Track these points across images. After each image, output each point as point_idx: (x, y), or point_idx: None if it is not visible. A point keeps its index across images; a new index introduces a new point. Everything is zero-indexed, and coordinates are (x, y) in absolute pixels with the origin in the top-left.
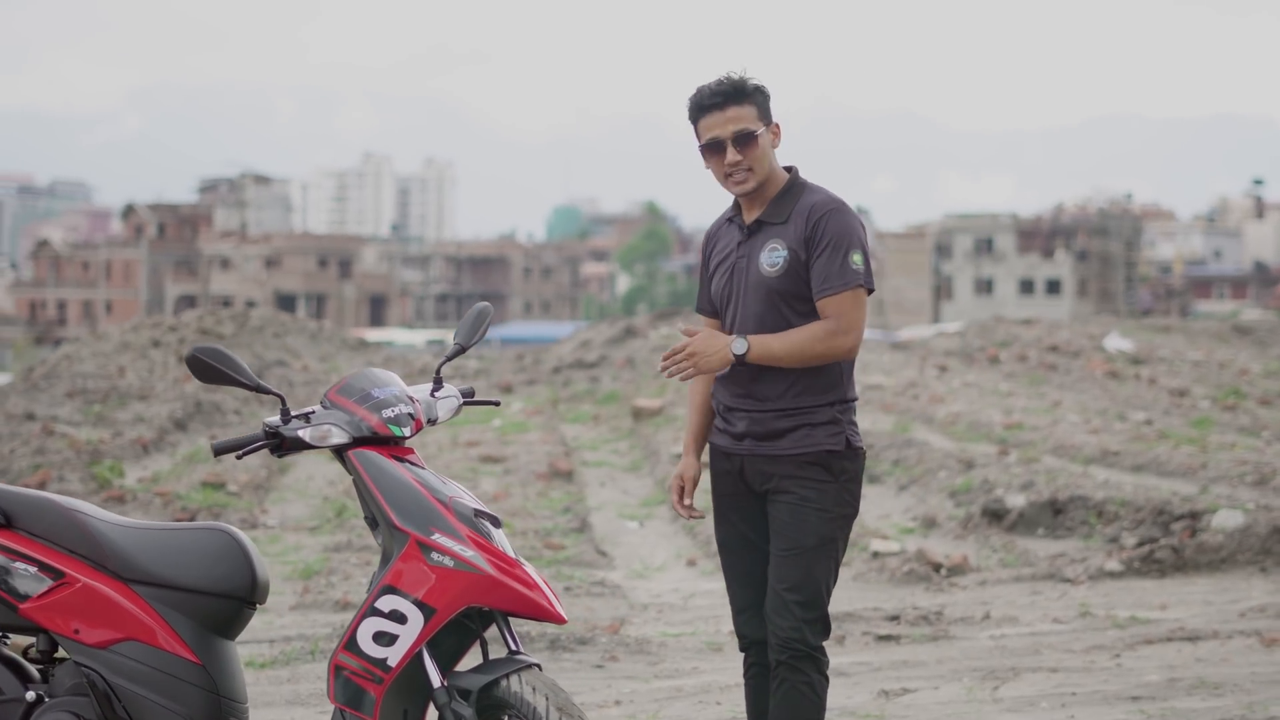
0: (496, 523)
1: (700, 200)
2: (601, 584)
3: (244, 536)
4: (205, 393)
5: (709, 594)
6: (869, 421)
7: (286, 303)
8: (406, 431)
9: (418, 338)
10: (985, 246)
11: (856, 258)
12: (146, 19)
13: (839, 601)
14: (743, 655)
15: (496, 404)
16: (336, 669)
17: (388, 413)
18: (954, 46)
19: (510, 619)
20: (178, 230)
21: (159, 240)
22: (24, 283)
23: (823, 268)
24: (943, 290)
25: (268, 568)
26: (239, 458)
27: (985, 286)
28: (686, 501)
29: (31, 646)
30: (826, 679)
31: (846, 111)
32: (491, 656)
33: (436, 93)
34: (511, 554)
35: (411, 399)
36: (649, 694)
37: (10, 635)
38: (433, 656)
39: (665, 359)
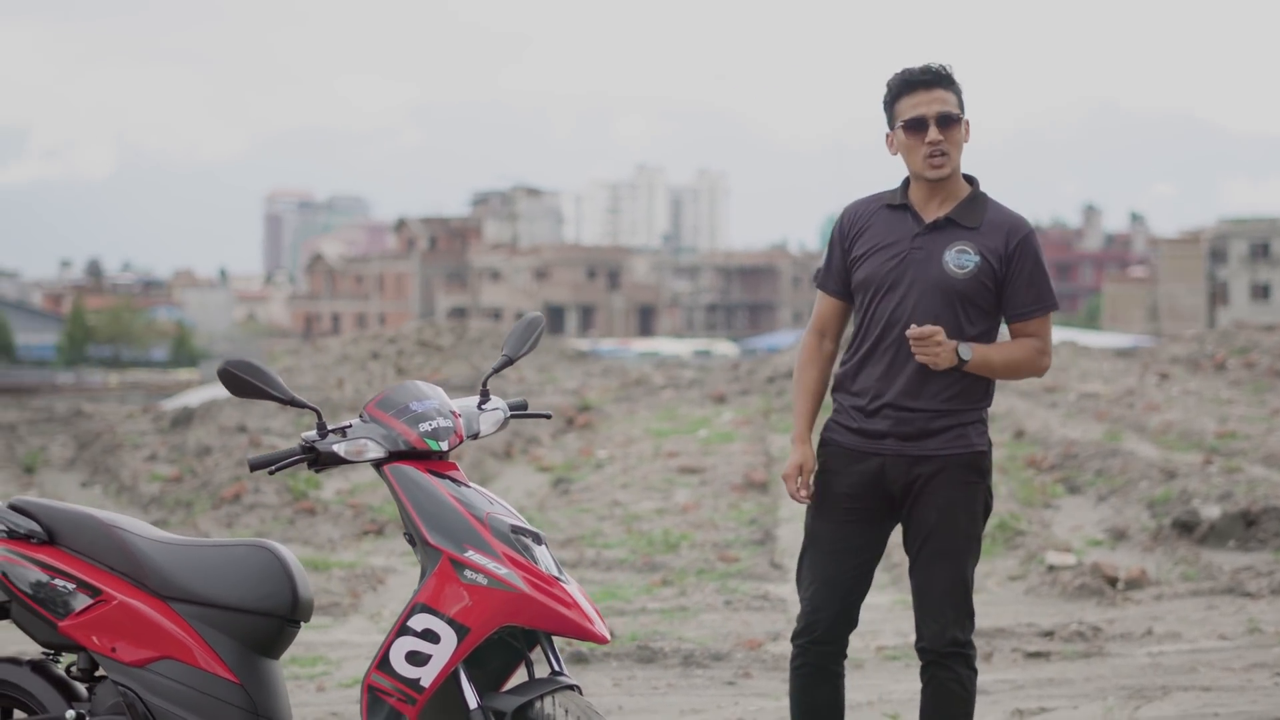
0: (538, 540)
1: None
2: (765, 598)
3: (287, 553)
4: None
5: (872, 608)
6: (1079, 430)
7: (555, 314)
8: (443, 445)
9: (684, 347)
10: (1262, 251)
11: (1050, 281)
12: (430, 34)
13: (991, 617)
14: (794, 647)
15: (547, 417)
16: (370, 689)
17: (425, 426)
18: (1236, 46)
19: (554, 639)
20: (448, 243)
21: (430, 253)
22: (300, 296)
23: (1027, 288)
24: (1217, 296)
25: (311, 585)
26: (271, 473)
27: (1262, 292)
28: (803, 494)
29: (74, 664)
30: (975, 672)
31: (1126, 115)
32: (538, 676)
33: (713, 103)
34: (551, 571)
35: (452, 413)
36: (774, 712)
37: (62, 654)
38: (471, 677)
39: (914, 334)
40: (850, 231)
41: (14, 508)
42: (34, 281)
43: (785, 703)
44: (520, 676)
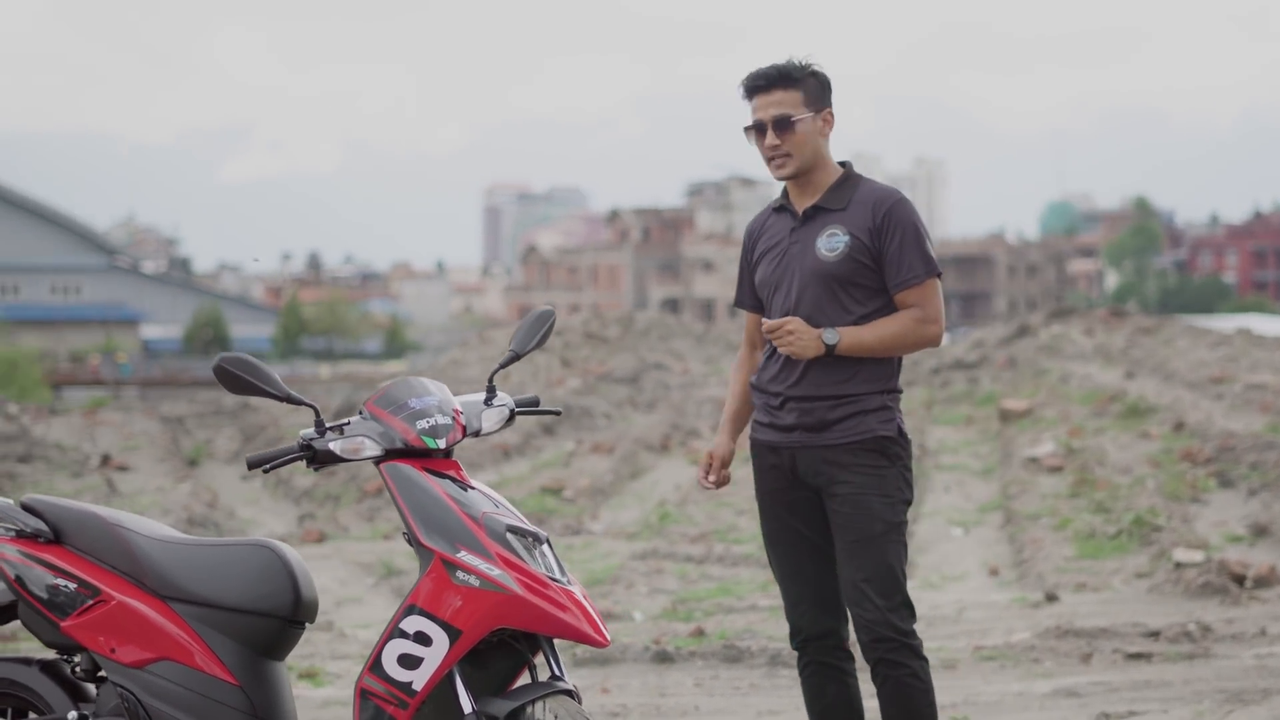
0: (539, 541)
1: (1195, 195)
2: None
3: (291, 553)
4: (575, 397)
5: (990, 606)
6: (1241, 422)
7: None
8: (441, 443)
9: None
10: None
11: (929, 247)
12: (655, 24)
13: (1098, 617)
14: (798, 653)
15: (557, 413)
16: (362, 693)
17: (422, 424)
18: None
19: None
20: (661, 234)
21: (643, 244)
22: (515, 287)
23: (900, 257)
24: None
25: (315, 586)
26: (266, 471)
27: None
28: (712, 478)
29: (77, 665)
30: (927, 661)
31: None
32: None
33: (932, 90)
34: (546, 573)
35: (453, 410)
36: None
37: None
38: (468, 681)
39: (767, 329)
40: (750, 245)
41: (25, 507)
42: (255, 275)
43: (871, 704)
44: (526, 681)
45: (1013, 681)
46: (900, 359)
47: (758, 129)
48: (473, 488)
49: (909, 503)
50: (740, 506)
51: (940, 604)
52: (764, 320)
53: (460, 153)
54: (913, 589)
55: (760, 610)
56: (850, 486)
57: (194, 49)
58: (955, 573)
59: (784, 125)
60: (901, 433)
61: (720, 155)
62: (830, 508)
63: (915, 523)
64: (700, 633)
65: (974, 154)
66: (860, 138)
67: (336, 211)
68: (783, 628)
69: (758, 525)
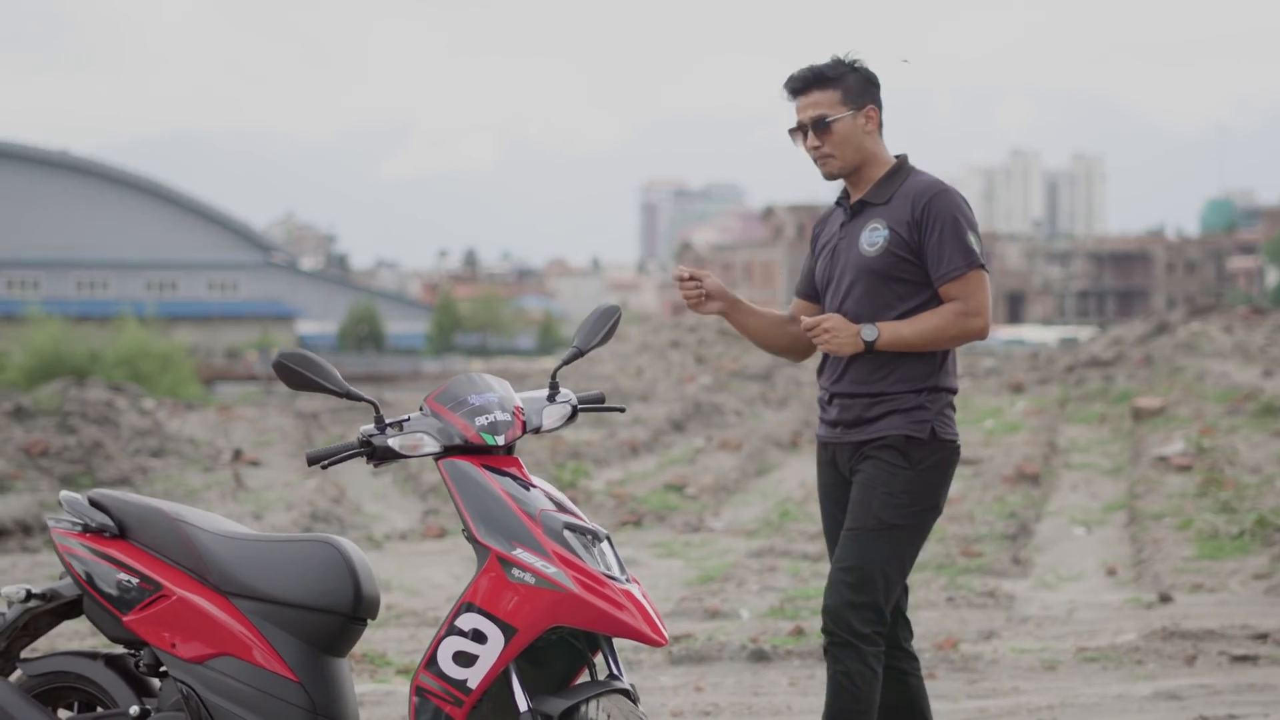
0: (598, 539)
1: None
2: (991, 595)
3: (353, 549)
4: (706, 394)
5: (1101, 606)
6: None
7: None
8: (500, 440)
9: (1050, 335)
10: None
11: (972, 239)
12: (813, 19)
13: (1206, 618)
14: None
15: (621, 410)
16: (418, 690)
17: (481, 420)
18: None
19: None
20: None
21: (798, 241)
22: (669, 284)
23: (940, 250)
24: None
25: (377, 582)
26: (325, 467)
27: None
28: (685, 273)
29: (140, 660)
30: (872, 670)
31: None
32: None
33: (1093, 87)
34: (604, 571)
35: (514, 407)
36: (949, 715)
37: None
38: (524, 678)
39: (804, 328)
40: (814, 238)
41: (92, 501)
42: (413, 271)
43: (965, 704)
44: (585, 680)
45: (1113, 683)
46: (949, 357)
47: (800, 130)
48: (534, 486)
49: (925, 511)
50: None
51: (1051, 604)
52: (803, 319)
53: (618, 149)
54: (1028, 588)
55: None
56: (862, 477)
57: (355, 46)
58: (1072, 572)
59: (821, 126)
60: (936, 436)
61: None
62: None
63: (1038, 521)
64: (799, 632)
65: (1134, 150)
66: (1019, 134)
67: (494, 208)
68: None
69: None
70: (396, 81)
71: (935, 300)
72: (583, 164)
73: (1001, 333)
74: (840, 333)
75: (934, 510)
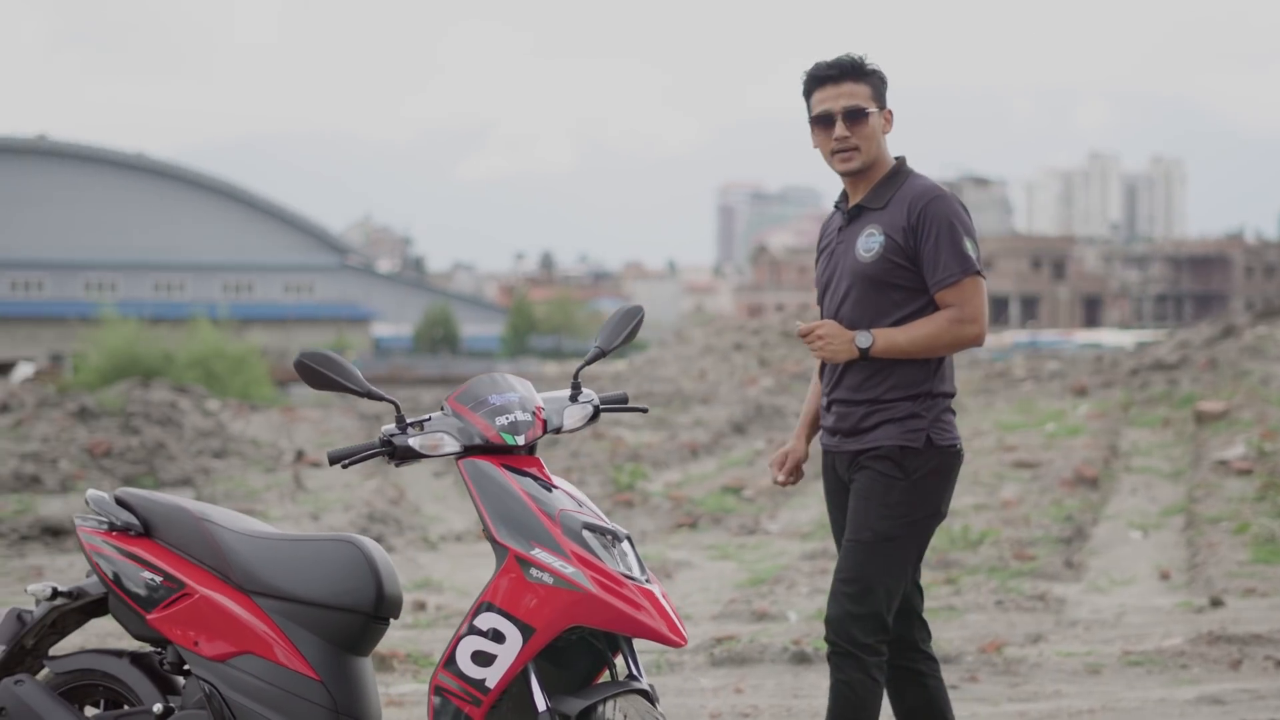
0: (618, 539)
1: None
2: (1041, 598)
3: (375, 548)
4: (767, 396)
5: (1152, 610)
6: None
7: (999, 305)
8: (520, 440)
9: (1128, 339)
10: None
11: (968, 245)
12: (900, 25)
13: (1255, 623)
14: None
15: (644, 410)
16: (437, 689)
17: (501, 420)
18: None
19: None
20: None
21: None
22: (745, 287)
23: (936, 256)
24: None
25: (400, 582)
26: (345, 466)
27: None
28: (780, 477)
29: (164, 658)
30: (873, 680)
31: None
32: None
33: (1174, 90)
34: (623, 571)
35: (535, 407)
36: (989, 718)
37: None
38: (542, 678)
39: (799, 334)
40: (819, 242)
41: (118, 500)
42: (489, 274)
43: (1005, 708)
44: (606, 681)
45: (1156, 688)
46: (944, 362)
47: (823, 121)
48: (555, 486)
49: (922, 519)
50: None
51: (1102, 608)
52: (798, 324)
53: (696, 152)
54: (1080, 592)
55: None
56: (856, 487)
57: (434, 48)
58: (1125, 576)
59: (856, 116)
60: (932, 443)
61: (953, 155)
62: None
63: (1095, 525)
64: None
65: (1213, 153)
66: (1098, 136)
67: (571, 210)
68: (948, 629)
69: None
70: (475, 84)
71: (932, 306)
72: (660, 167)
73: (1077, 336)
74: (835, 339)
75: (934, 517)
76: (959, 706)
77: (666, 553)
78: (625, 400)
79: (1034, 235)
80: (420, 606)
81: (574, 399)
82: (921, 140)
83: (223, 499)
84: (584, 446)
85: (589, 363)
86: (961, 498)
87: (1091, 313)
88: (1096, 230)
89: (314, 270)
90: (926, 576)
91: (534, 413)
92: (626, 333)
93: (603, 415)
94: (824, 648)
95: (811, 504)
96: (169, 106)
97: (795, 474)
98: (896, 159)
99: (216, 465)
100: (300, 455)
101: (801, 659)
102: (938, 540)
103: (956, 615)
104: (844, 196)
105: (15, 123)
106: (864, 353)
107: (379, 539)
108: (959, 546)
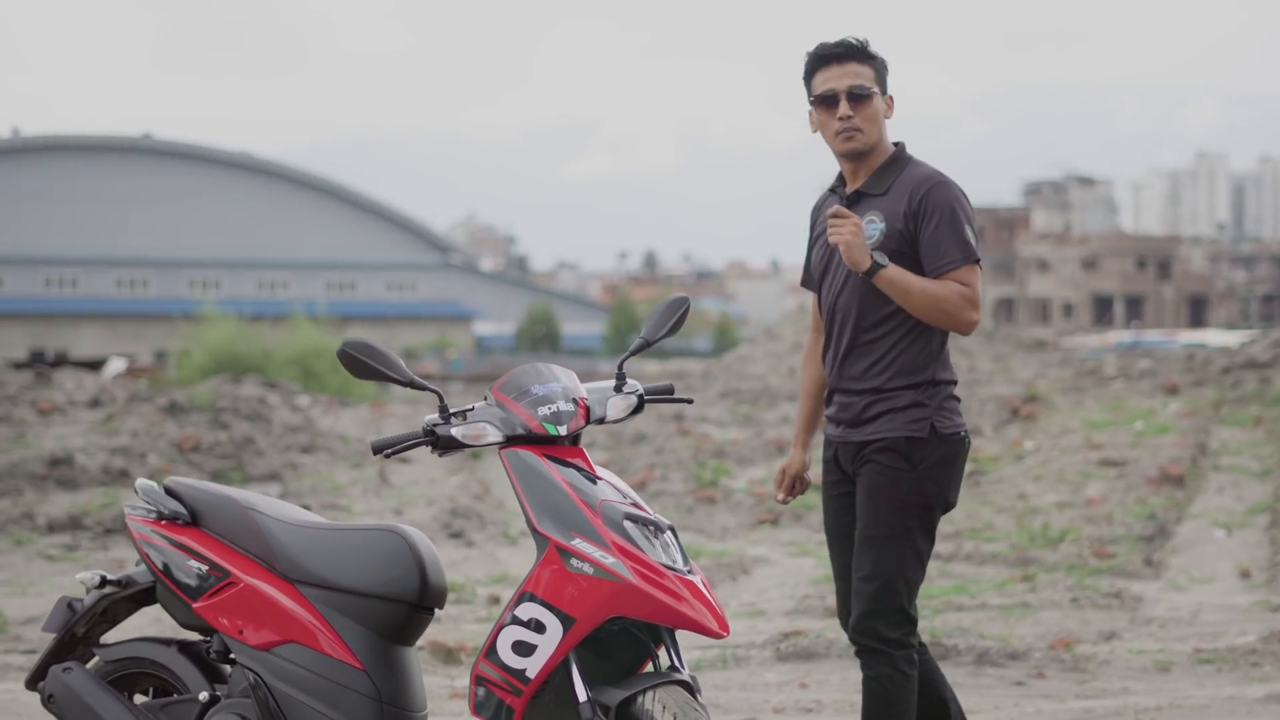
0: (659, 530)
1: None
2: (1117, 596)
3: (420, 538)
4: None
5: (1228, 609)
6: None
7: (1103, 304)
8: (563, 430)
9: (1231, 339)
10: None
11: (969, 232)
12: (1005, 24)
13: None
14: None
15: (689, 401)
16: (478, 679)
17: (544, 410)
18: None
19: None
20: (996, 233)
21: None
22: None
23: (938, 241)
24: None
25: (444, 571)
26: (386, 456)
27: None
28: (780, 495)
29: (210, 646)
30: (903, 674)
31: None
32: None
33: None
34: (669, 563)
35: (578, 397)
36: (1053, 715)
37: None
38: (584, 669)
39: (833, 215)
40: (812, 225)
41: (167, 489)
42: (593, 273)
43: (1071, 704)
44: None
45: (1226, 685)
46: (943, 348)
47: (827, 101)
48: (599, 478)
49: (933, 508)
50: (1000, 505)
51: (1178, 606)
52: (826, 212)
53: (799, 151)
54: (1158, 590)
55: (989, 609)
56: (864, 482)
57: (540, 47)
58: (1205, 575)
59: (860, 97)
60: (937, 432)
61: (1060, 154)
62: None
63: (1178, 523)
64: None
65: None
66: (1206, 136)
67: (675, 209)
68: (1001, 627)
69: (1013, 523)
70: (580, 83)
71: None
72: (764, 166)
73: (1182, 336)
74: (855, 237)
75: (944, 505)
76: (1020, 704)
77: (746, 549)
78: (671, 390)
79: (1140, 235)
80: (494, 600)
81: (618, 389)
82: (1026, 138)
83: (308, 494)
84: (669, 443)
85: (634, 353)
86: (1045, 495)
87: (1197, 313)
88: (1203, 230)
89: (416, 269)
90: (1003, 573)
91: (577, 403)
92: (672, 323)
93: (689, 412)
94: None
95: None
96: (275, 106)
97: (799, 487)
98: (895, 145)
99: (304, 460)
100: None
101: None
102: (1020, 536)
103: (1031, 612)
104: (840, 181)
105: (120, 121)
106: (873, 269)
107: (460, 534)
108: (1038, 544)
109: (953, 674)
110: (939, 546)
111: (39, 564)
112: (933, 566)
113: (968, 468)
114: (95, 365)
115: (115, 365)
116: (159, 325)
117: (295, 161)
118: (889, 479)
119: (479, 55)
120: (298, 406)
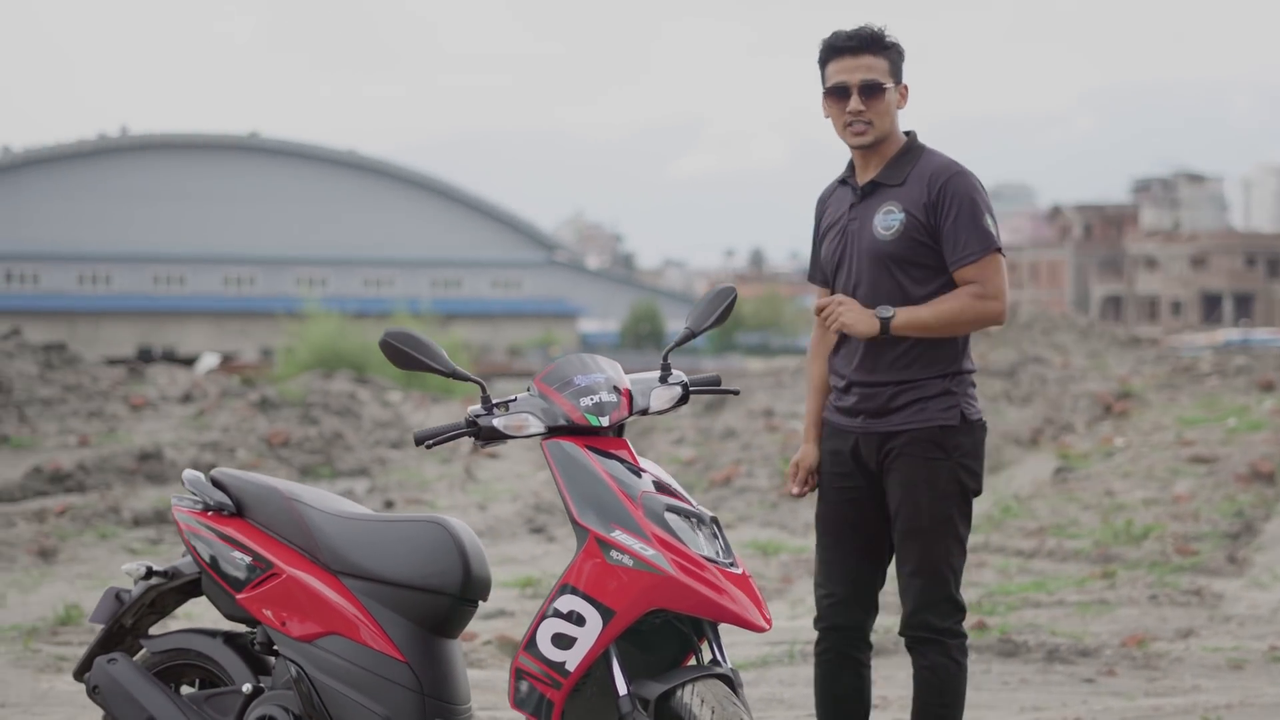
0: (702, 522)
1: None
2: (1197, 593)
3: (463, 530)
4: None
5: None
6: None
7: (1212, 302)
8: (605, 421)
9: None
10: None
11: (989, 221)
12: (1105, 18)
13: None
14: (818, 636)
15: (735, 393)
16: (518, 672)
17: (586, 401)
18: None
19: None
20: (1104, 230)
21: (1085, 241)
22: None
23: (956, 233)
24: None
25: (488, 564)
26: (429, 447)
27: None
28: (796, 489)
29: (254, 638)
30: (957, 663)
31: None
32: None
33: None
34: (707, 555)
35: (621, 388)
36: (1120, 712)
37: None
38: (624, 662)
39: (816, 309)
40: (818, 217)
41: (213, 481)
42: (699, 270)
43: (1139, 702)
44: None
45: None
46: (969, 341)
47: (838, 92)
48: (643, 470)
49: (969, 494)
50: (1087, 502)
51: (1259, 604)
52: (817, 303)
53: None
54: (1239, 587)
55: (1066, 606)
56: (900, 476)
57: (647, 45)
58: None
59: (872, 91)
60: (966, 420)
61: (1169, 151)
62: (887, 495)
63: (1266, 520)
64: (982, 626)
65: None
66: None
67: (782, 207)
68: (1076, 624)
69: (1098, 520)
70: (687, 81)
71: (950, 286)
72: None
73: None
74: (853, 310)
75: (977, 491)
76: (1089, 702)
77: None
78: (718, 382)
79: (1250, 232)
80: None
81: (663, 380)
82: (1136, 134)
83: (395, 489)
84: (756, 439)
85: (679, 344)
86: (1132, 492)
87: None
88: None
89: (522, 266)
90: (1084, 570)
91: (620, 394)
92: (718, 314)
93: (778, 408)
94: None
95: (982, 498)
96: (382, 105)
97: (812, 481)
98: (907, 134)
99: (392, 455)
100: (477, 446)
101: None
102: (1104, 533)
103: (1108, 609)
104: (851, 169)
105: (228, 120)
106: (885, 325)
107: (542, 529)
108: (1121, 541)
109: (1021, 671)
110: (1021, 543)
111: (121, 558)
112: (1012, 563)
113: (1055, 464)
114: (189, 361)
115: (208, 361)
116: (265, 322)
117: (403, 160)
118: (927, 469)
119: (587, 55)
120: (388, 402)
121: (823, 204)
